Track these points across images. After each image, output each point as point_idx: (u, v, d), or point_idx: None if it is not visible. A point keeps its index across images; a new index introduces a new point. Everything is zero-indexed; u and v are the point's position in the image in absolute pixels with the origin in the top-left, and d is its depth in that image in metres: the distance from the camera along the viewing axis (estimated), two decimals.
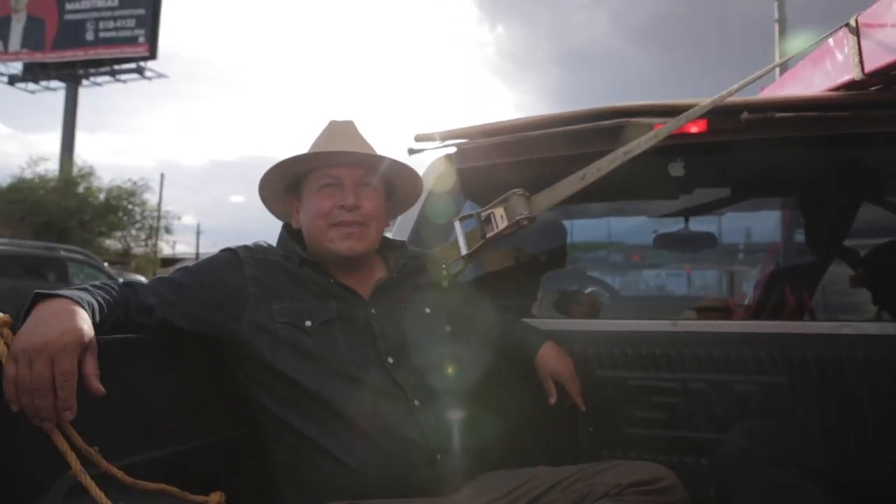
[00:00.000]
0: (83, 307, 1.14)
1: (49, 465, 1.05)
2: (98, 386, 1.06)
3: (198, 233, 41.04)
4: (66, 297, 1.15)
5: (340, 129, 1.56)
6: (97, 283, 1.31)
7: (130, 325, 1.31)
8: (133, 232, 26.71)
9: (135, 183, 25.82)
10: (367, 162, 1.52)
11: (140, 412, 1.26)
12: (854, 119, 1.72)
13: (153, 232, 27.12)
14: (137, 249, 27.34)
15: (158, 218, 27.03)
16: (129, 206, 25.73)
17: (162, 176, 31.23)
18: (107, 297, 1.27)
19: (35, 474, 1.06)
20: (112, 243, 26.26)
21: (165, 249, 30.67)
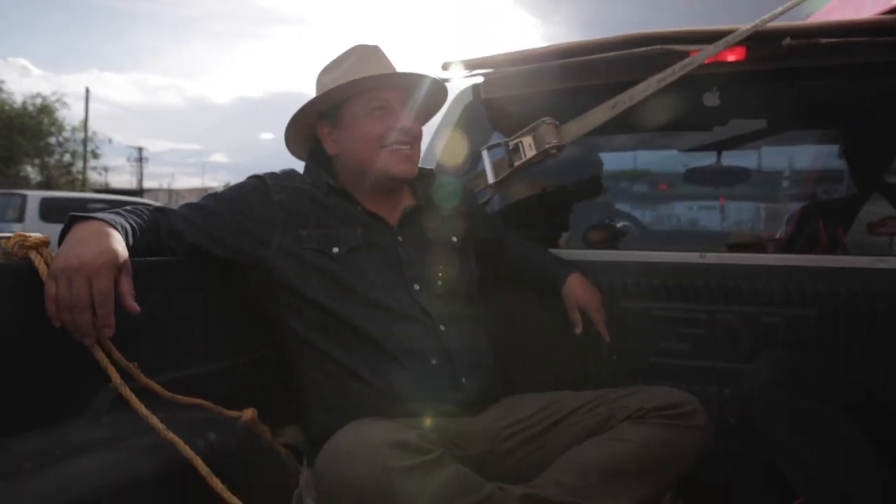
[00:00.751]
0: (117, 229, 1.17)
1: (91, 379, 1.09)
2: (133, 305, 1.10)
3: (140, 159, 34.84)
4: (100, 219, 1.17)
5: (373, 54, 1.53)
6: (128, 207, 1.34)
7: (161, 249, 1.34)
8: (53, 159, 22.90)
9: (44, 98, 22.16)
10: (410, 84, 1.51)
11: (174, 332, 1.30)
12: None
13: (77, 157, 23.50)
14: (63, 179, 23.63)
15: (85, 141, 23.36)
16: (44, 127, 21.88)
17: (87, 90, 27.17)
18: (139, 220, 1.29)
19: (78, 387, 1.10)
20: (32, 172, 22.77)
21: (97, 179, 26.41)
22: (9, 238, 1.06)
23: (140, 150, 34.14)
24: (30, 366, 1.06)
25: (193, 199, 1.75)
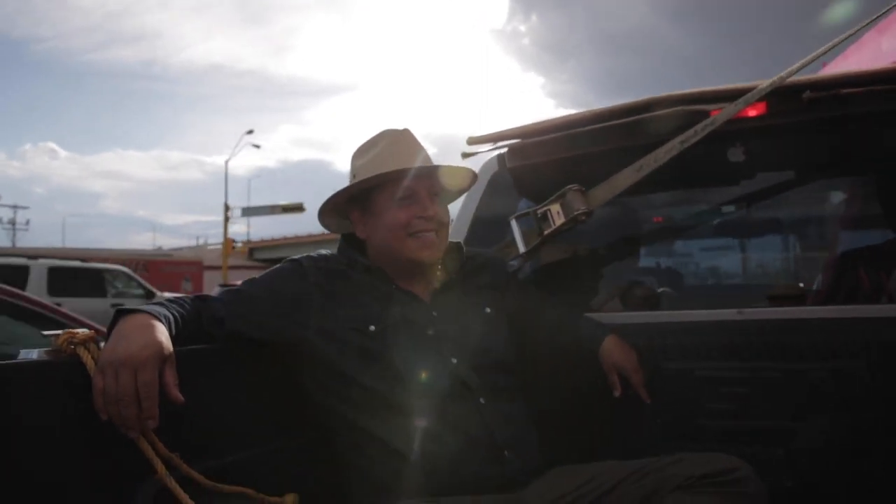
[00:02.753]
0: (161, 321, 1.20)
1: (135, 471, 1.10)
2: (178, 395, 1.12)
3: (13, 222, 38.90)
4: (146, 311, 1.21)
5: (402, 140, 1.57)
6: (171, 297, 1.38)
7: (203, 336, 1.37)
8: None
9: None
10: (436, 171, 1.55)
11: (215, 419, 1.31)
12: None
13: None
14: None
15: None
16: None
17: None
18: (181, 310, 1.33)
19: (122, 480, 1.11)
20: None
21: None
22: (58, 335, 1.10)
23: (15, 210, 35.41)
24: (77, 460, 1.07)
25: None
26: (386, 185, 1.52)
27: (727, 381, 1.76)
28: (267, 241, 53.48)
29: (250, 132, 28.40)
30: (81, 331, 1.10)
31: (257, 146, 30.06)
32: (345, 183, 1.59)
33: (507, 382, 1.52)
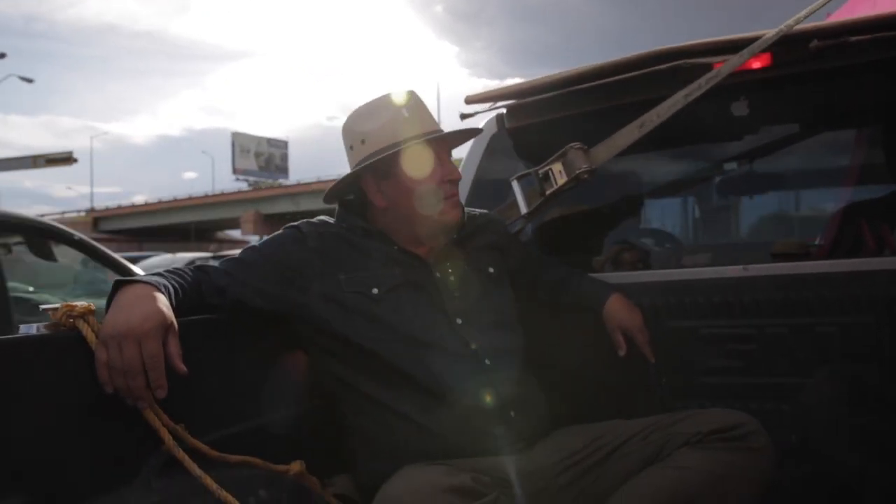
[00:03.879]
0: (161, 291, 1.19)
1: (140, 444, 1.10)
2: (181, 366, 1.11)
3: None
4: (145, 282, 1.19)
5: (416, 102, 1.52)
6: (170, 268, 1.36)
7: (205, 306, 1.35)
8: None
9: None
10: (451, 133, 1.55)
11: (219, 389, 1.30)
12: None
13: None
14: None
15: None
16: None
17: None
18: (181, 280, 1.31)
19: (128, 452, 1.11)
20: None
21: None
22: (56, 309, 1.08)
23: None
24: (81, 434, 1.06)
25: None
26: (408, 149, 1.47)
27: (733, 339, 1.76)
28: (113, 209, 50.46)
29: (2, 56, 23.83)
30: (80, 304, 1.09)
31: (28, 80, 25.30)
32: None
33: (512, 343, 1.52)
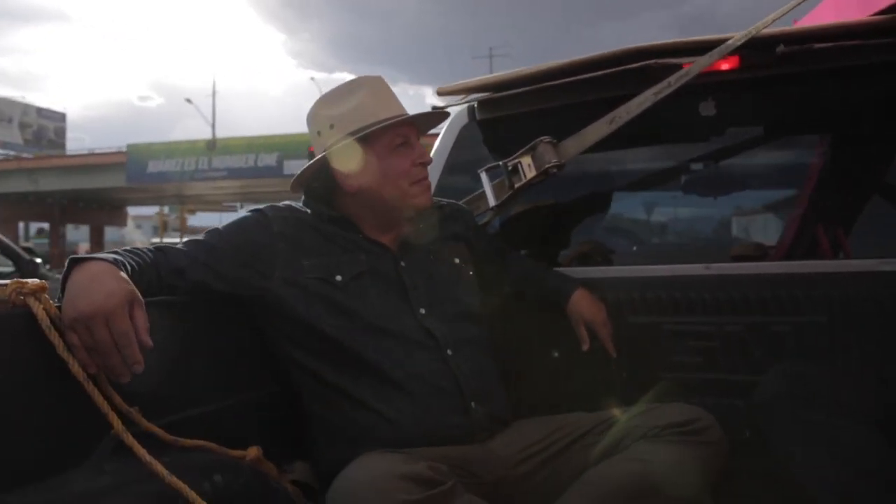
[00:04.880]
0: (118, 267, 1.16)
1: (92, 426, 1.07)
2: (147, 339, 1.09)
3: None
4: (100, 258, 1.16)
5: (383, 87, 1.52)
6: (127, 248, 1.32)
7: (163, 287, 1.32)
8: None
9: None
10: (419, 117, 1.55)
11: (176, 373, 1.27)
12: None
13: None
14: None
15: None
16: None
17: None
18: (138, 259, 1.28)
19: (79, 435, 1.08)
20: None
21: None
22: (5, 286, 1.05)
23: None
24: (29, 415, 1.03)
25: None
26: (380, 134, 1.46)
27: (693, 335, 1.79)
28: None
29: None
30: (31, 281, 1.05)
31: None
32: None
33: (475, 334, 1.52)
